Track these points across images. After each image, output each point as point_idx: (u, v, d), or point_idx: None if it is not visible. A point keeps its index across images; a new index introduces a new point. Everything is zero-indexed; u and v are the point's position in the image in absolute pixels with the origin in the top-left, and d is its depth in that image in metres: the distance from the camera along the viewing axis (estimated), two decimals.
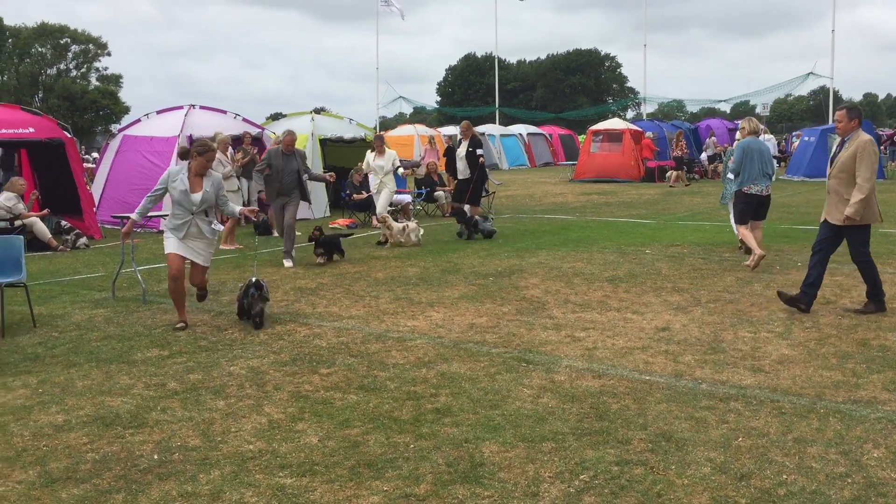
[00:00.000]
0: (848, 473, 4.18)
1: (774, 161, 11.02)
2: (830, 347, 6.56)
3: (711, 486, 4.06)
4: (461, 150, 14.83)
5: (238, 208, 8.27)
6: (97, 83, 76.78)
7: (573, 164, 34.15)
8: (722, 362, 6.19)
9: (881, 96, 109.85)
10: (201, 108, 17.50)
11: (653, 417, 5.03)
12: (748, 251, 10.71)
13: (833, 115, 40.45)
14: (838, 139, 8.12)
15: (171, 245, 7.66)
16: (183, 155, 8.02)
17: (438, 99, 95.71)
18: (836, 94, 47.69)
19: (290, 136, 11.71)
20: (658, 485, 4.07)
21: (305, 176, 11.64)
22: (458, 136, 15.47)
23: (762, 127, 40.94)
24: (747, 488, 4.02)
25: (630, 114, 79.77)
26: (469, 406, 5.29)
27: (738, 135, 11.66)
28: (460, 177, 14.87)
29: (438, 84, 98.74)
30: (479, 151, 14.60)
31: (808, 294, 7.81)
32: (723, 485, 4.07)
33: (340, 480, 4.20)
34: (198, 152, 7.63)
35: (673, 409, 5.18)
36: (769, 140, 32.44)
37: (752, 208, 10.57)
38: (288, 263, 11.34)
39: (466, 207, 14.35)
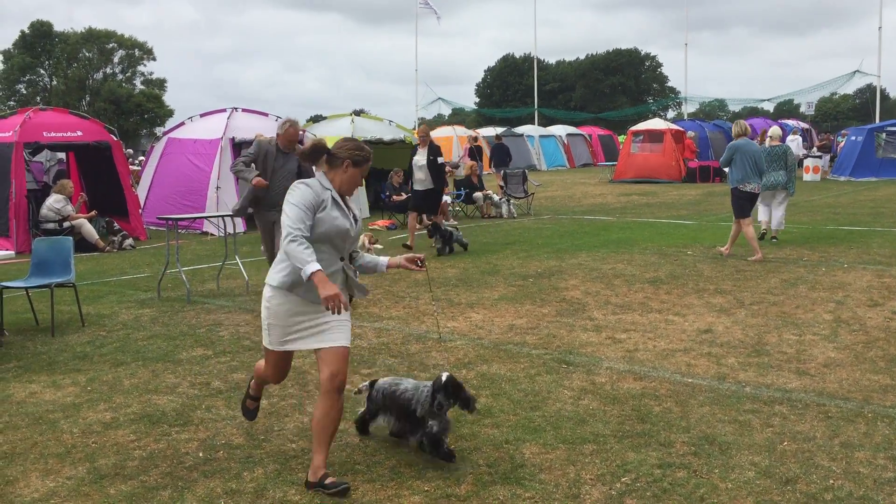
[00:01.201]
0: None
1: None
2: (878, 351, 6.43)
3: (756, 490, 4.00)
4: (420, 159, 12.84)
5: (384, 260, 4.52)
6: (142, 87, 78.16)
7: (613, 165, 33.90)
8: (766, 365, 6.10)
9: None
10: (243, 110, 17.74)
11: (695, 420, 4.98)
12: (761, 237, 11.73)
13: (879, 114, 39.59)
14: None
15: (279, 335, 4.19)
16: (312, 156, 4.26)
17: (477, 100, 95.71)
18: (883, 92, 46.71)
19: (293, 128, 8.69)
20: (701, 488, 4.03)
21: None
22: (416, 144, 13.31)
23: (802, 126, 40.10)
24: (793, 493, 3.96)
25: (671, 114, 78.97)
26: (509, 407, 5.29)
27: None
28: (419, 188, 12.97)
29: (477, 85, 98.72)
30: (440, 160, 12.96)
31: None
32: (767, 489, 4.01)
33: (381, 480, 4.23)
34: (354, 161, 4.25)
35: (716, 412, 5.12)
36: (793, 140, 31.76)
37: (749, 204, 11.36)
38: None
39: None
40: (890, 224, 14.88)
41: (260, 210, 8.51)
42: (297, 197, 4.08)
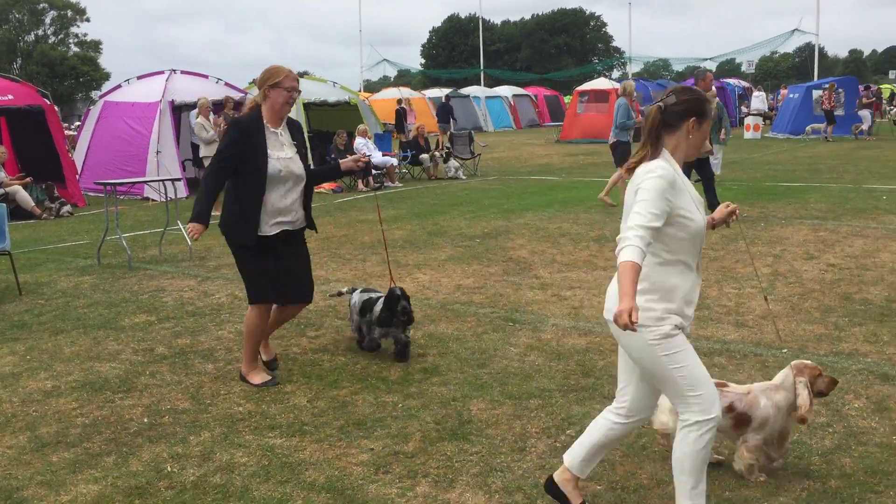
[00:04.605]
0: (829, 423, 4.26)
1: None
2: (813, 302, 6.63)
3: None
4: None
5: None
6: (76, 49, 75.58)
7: (559, 125, 34.04)
8: (707, 318, 6.25)
9: (866, 52, 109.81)
10: (182, 72, 17.29)
11: None
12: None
13: (818, 72, 40.24)
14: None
15: None
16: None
17: (423, 61, 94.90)
18: (821, 50, 47.59)
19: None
20: (643, 438, 4.14)
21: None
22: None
23: (744, 84, 40.81)
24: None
25: (616, 73, 79.46)
26: (456, 365, 5.34)
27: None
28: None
29: (422, 46, 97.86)
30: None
31: None
32: None
33: (329, 440, 4.24)
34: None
35: None
36: (757, 97, 33.02)
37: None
38: None
39: None
40: (826, 180, 15.27)
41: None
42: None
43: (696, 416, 3.11)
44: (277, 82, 4.81)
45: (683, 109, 3.15)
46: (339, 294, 6.48)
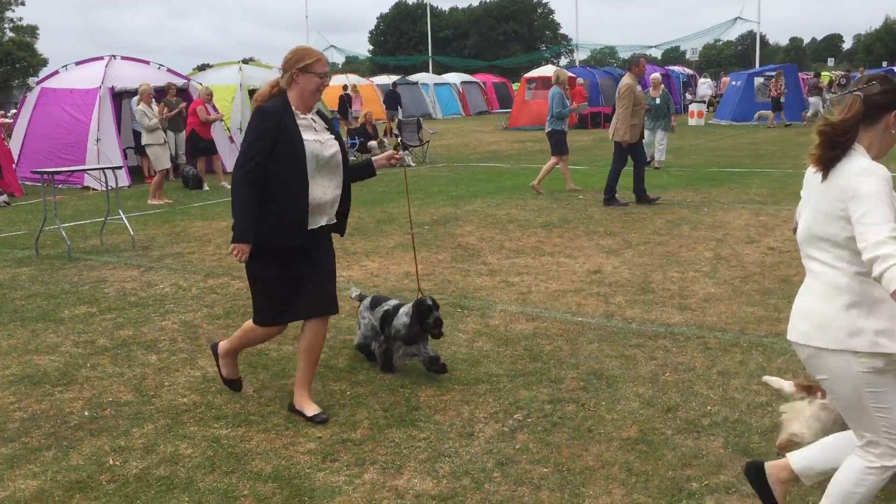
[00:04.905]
0: (769, 402, 4.36)
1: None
2: (754, 284, 6.78)
3: (640, 419, 4.19)
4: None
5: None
6: (11, 34, 73.21)
7: (507, 112, 34.16)
8: (651, 302, 6.35)
9: (806, 40, 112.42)
10: (123, 58, 16.88)
11: (584, 357, 5.15)
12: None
13: (759, 60, 40.99)
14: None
15: None
16: None
17: (370, 48, 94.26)
18: (762, 38, 48.53)
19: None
20: (589, 420, 4.19)
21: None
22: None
23: (688, 72, 41.39)
24: (673, 420, 4.17)
25: (563, 61, 79.95)
26: None
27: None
28: None
29: (370, 33, 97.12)
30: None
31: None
32: (650, 417, 4.20)
33: (277, 429, 4.20)
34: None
35: (604, 348, 5.30)
36: (704, 82, 33.76)
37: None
38: None
39: None
40: (767, 165, 15.60)
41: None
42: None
43: (886, 461, 2.81)
44: (308, 65, 4.15)
45: (889, 101, 2.77)
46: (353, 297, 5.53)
